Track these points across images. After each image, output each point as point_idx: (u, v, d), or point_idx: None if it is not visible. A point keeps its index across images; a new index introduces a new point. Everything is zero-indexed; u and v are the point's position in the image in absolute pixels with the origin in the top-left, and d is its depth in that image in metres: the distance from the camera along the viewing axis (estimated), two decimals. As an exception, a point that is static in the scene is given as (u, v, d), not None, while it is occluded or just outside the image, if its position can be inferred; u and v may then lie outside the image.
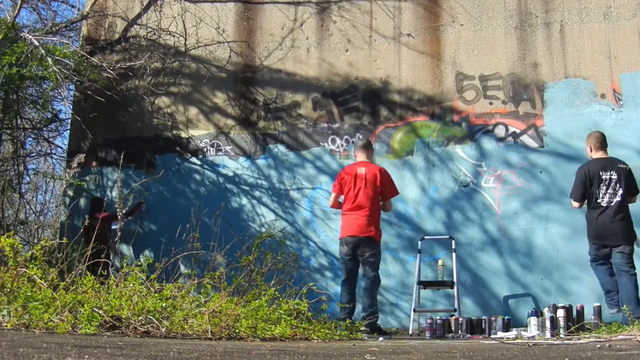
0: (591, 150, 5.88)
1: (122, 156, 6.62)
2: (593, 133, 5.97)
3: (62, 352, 2.24)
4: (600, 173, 5.67)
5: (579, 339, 4.64)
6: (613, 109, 6.81)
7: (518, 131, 7.09)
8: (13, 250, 4.02)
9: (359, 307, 6.04)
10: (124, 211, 5.77)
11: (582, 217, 6.66)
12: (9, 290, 3.79)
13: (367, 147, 6.25)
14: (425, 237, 7.01)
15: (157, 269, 4.85)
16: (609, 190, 5.66)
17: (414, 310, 6.62)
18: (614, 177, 5.65)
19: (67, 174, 6.89)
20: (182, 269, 6.19)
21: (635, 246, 5.67)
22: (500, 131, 7.15)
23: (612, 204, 5.61)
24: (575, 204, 5.85)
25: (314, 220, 7.54)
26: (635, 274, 5.49)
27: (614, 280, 5.60)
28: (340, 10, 8.01)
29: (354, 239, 5.93)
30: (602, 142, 5.84)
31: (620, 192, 5.62)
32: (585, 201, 5.79)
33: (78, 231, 5.43)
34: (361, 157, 6.20)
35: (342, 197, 6.14)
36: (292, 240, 7.51)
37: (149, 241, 7.74)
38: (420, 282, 6.75)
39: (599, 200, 5.65)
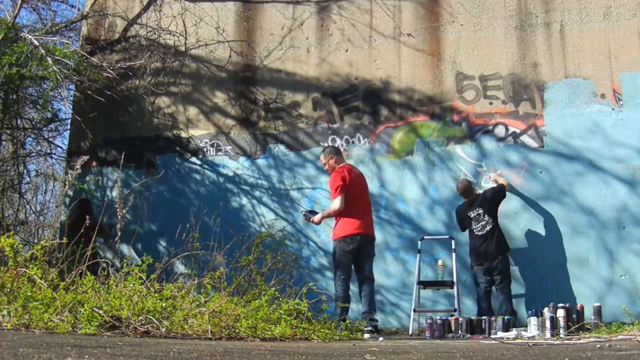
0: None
1: (122, 156, 6.61)
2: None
3: (62, 352, 2.24)
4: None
5: (579, 339, 4.64)
6: (613, 109, 6.81)
7: (518, 131, 7.08)
8: (13, 250, 4.02)
9: (353, 306, 6.07)
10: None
11: (582, 216, 6.68)
12: (9, 290, 3.79)
13: (341, 152, 6.43)
14: (425, 237, 7.01)
15: (157, 269, 4.85)
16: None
17: (414, 310, 6.62)
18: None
19: (69, 175, 6.86)
20: (182, 269, 6.19)
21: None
22: (500, 131, 7.15)
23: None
24: None
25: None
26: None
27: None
28: (340, 9, 8.00)
29: (363, 237, 5.93)
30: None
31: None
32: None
33: (78, 231, 5.40)
34: (342, 160, 6.26)
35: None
36: (292, 240, 7.50)
37: (149, 241, 7.74)
38: (420, 282, 6.75)
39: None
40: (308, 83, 7.93)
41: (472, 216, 6.66)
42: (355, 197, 5.98)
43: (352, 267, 6.00)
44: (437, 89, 7.46)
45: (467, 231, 6.82)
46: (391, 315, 7.11)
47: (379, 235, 7.23)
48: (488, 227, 6.56)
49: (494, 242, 6.52)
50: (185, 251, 5.45)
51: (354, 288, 6.19)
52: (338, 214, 5.98)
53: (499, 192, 6.73)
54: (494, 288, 6.58)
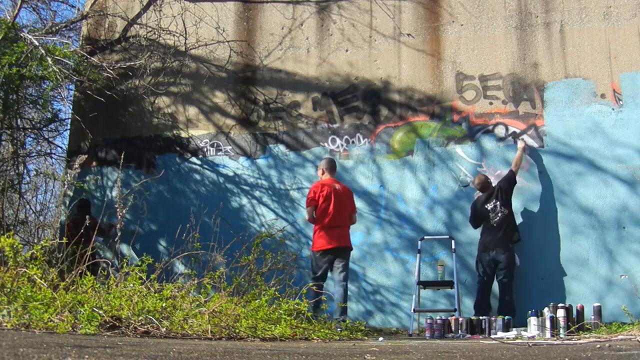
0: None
1: (122, 156, 6.61)
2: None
3: (62, 352, 2.24)
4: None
5: (579, 339, 4.65)
6: (613, 109, 6.81)
7: (518, 131, 7.08)
8: (13, 250, 4.02)
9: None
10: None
11: (582, 216, 6.68)
12: (9, 290, 3.79)
13: (334, 167, 6.58)
14: (425, 237, 7.01)
15: (157, 269, 4.85)
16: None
17: (414, 310, 6.62)
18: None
19: (68, 175, 6.87)
20: (182, 269, 6.19)
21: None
22: (500, 131, 7.15)
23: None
24: None
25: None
26: None
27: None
28: (340, 9, 8.01)
29: (336, 250, 6.18)
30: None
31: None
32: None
33: (77, 231, 5.41)
34: (329, 174, 6.48)
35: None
36: (292, 240, 7.50)
37: (148, 241, 7.74)
38: (420, 282, 6.76)
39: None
40: (308, 83, 7.93)
41: (489, 208, 6.69)
42: (330, 210, 6.21)
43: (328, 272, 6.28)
44: (437, 89, 7.46)
45: (466, 231, 6.83)
46: (391, 315, 7.11)
47: (379, 235, 7.25)
48: (502, 217, 6.62)
49: (503, 233, 6.58)
50: (185, 251, 5.45)
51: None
52: (314, 224, 6.31)
53: (510, 180, 6.76)
54: (495, 283, 6.59)
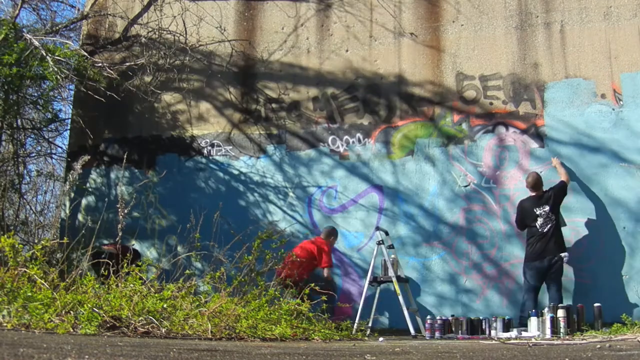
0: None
1: (124, 156, 6.60)
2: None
3: (62, 352, 2.24)
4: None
5: (579, 339, 4.65)
6: (613, 109, 6.81)
7: (518, 131, 7.08)
8: (13, 250, 4.02)
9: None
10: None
11: (583, 216, 6.67)
12: (9, 290, 3.79)
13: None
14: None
15: (158, 269, 4.85)
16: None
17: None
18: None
19: (70, 176, 6.86)
20: (198, 266, 6.18)
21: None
22: (500, 131, 7.14)
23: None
24: None
25: (314, 220, 7.54)
26: None
27: None
28: (341, 9, 8.00)
29: None
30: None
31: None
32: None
33: (78, 231, 5.40)
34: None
35: None
36: (293, 240, 7.49)
37: (148, 241, 7.74)
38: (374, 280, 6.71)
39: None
40: (308, 83, 7.93)
41: (538, 213, 6.46)
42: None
43: None
44: (437, 89, 7.46)
45: (466, 232, 6.82)
46: (391, 315, 7.10)
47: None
48: (551, 225, 6.39)
49: (555, 242, 6.36)
50: (192, 250, 5.44)
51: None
52: None
53: (563, 189, 6.55)
54: (544, 284, 6.41)
